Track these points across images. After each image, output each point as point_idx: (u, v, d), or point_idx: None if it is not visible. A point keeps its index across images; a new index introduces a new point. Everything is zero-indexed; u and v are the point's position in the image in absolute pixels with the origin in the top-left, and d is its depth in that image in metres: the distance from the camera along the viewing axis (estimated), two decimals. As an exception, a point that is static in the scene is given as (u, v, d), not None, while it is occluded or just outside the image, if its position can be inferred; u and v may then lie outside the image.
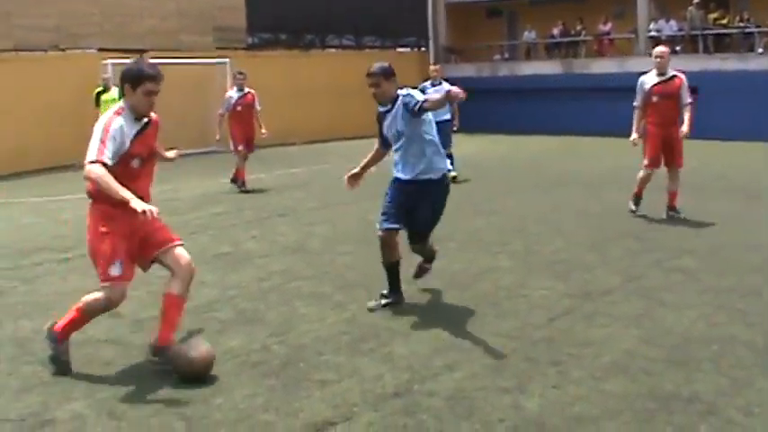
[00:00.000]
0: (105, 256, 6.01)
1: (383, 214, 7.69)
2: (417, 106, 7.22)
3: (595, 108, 28.11)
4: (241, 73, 16.46)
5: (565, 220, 12.33)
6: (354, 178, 8.08)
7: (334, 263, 9.81)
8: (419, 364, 6.25)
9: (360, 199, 12.93)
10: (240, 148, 16.20)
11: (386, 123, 7.67)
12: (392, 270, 7.90)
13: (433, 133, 7.63)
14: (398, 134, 7.56)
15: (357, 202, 12.77)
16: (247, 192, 15.74)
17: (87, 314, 6.22)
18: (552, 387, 5.76)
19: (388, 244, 7.74)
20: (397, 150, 7.67)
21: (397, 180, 7.73)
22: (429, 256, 8.33)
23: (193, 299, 7.92)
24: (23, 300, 8.39)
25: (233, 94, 16.45)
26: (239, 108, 16.20)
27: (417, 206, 7.63)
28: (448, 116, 16.20)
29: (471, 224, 12.03)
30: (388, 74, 7.59)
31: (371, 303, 7.79)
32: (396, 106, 7.51)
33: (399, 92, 7.54)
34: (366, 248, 10.50)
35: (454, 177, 15.34)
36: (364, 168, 8.03)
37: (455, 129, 17.08)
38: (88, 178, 5.79)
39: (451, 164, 15.51)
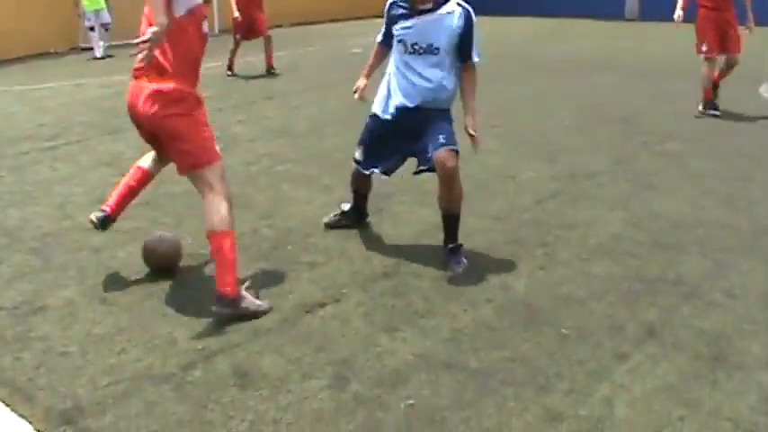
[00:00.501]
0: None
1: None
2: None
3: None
4: None
5: (553, 102, 12.29)
6: (364, 90, 6.75)
7: (321, 145, 9.79)
8: (407, 245, 6.30)
9: (346, 81, 12.78)
10: (237, 36, 15.44)
11: (413, 26, 5.91)
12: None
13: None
14: (431, 49, 5.94)
15: (343, 84, 12.60)
16: (233, 75, 15.51)
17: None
18: (539, 269, 5.82)
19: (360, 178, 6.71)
20: (407, 67, 6.10)
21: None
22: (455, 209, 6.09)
23: (180, 183, 7.91)
24: (10, 189, 8.32)
25: None
26: None
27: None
28: None
29: (458, 107, 11.93)
30: None
31: (326, 218, 6.86)
32: (447, 13, 5.83)
33: None
34: (352, 131, 10.41)
35: None
36: (369, 74, 6.78)
37: None
38: None
39: None
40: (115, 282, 5.74)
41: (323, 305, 5.26)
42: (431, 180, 8.03)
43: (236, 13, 15.13)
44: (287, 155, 9.33)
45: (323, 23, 26.75)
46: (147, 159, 5.80)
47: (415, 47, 5.94)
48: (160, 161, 5.78)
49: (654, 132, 10.13)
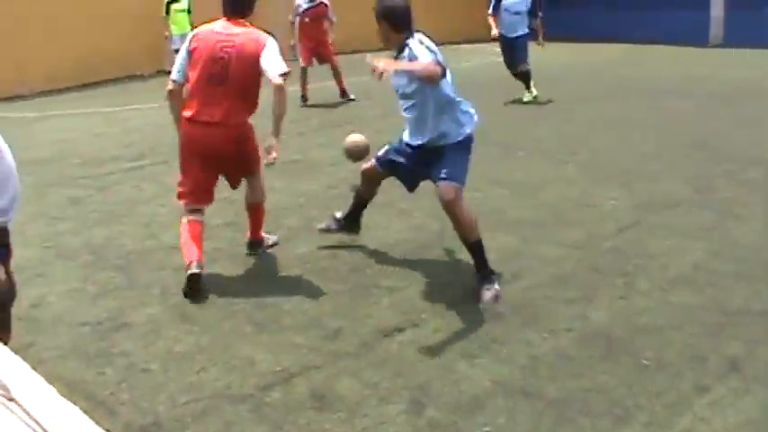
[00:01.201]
0: (258, 149, 6.48)
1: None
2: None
3: (666, 16, 27.47)
4: None
5: (632, 129, 12.18)
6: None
7: (401, 171, 9.83)
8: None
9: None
10: (303, 65, 15.30)
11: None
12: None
13: (449, 91, 6.04)
14: (407, 94, 6.16)
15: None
16: (306, 105, 15.40)
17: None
18: (619, 298, 5.79)
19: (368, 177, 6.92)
20: (405, 110, 6.27)
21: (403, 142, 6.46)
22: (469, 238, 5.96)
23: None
24: (97, 208, 8.56)
25: (302, 2, 15.32)
26: (307, 20, 15.22)
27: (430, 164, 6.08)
28: (526, 30, 15.05)
29: (538, 133, 11.95)
30: (388, 17, 5.92)
31: (320, 225, 7.14)
32: (403, 56, 5.89)
33: (408, 40, 5.87)
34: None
35: (535, 97, 14.94)
36: None
37: (541, 44, 15.81)
38: (283, 90, 6.02)
39: (527, 84, 15.05)
40: (196, 301, 5.84)
41: (401, 330, 5.29)
42: (511, 207, 8.06)
43: (293, 41, 15.43)
44: (366, 179, 9.38)
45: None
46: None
47: (398, 92, 6.19)
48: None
49: (736, 159, 9.98)
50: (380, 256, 6.72)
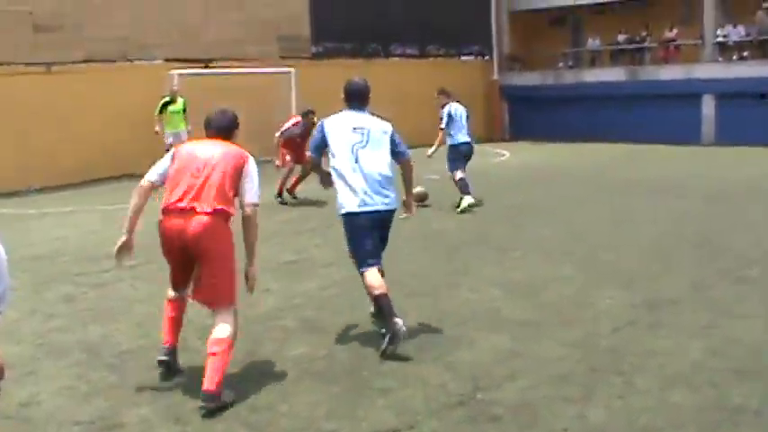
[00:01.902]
0: (234, 277, 6.08)
1: None
2: None
3: (661, 115, 27.84)
4: (312, 112, 15.55)
5: (629, 228, 12.22)
6: None
7: (396, 270, 9.80)
8: (482, 372, 6.24)
9: (422, 207, 12.96)
10: (288, 158, 15.71)
11: None
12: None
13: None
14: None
15: (420, 211, 12.78)
16: (284, 204, 15.45)
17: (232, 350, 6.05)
18: (618, 397, 5.72)
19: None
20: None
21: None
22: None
23: (259, 306, 8.02)
24: (92, 306, 8.56)
25: (296, 130, 15.65)
26: (298, 140, 15.50)
27: None
28: (455, 141, 14.79)
29: (535, 232, 11.98)
30: None
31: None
32: None
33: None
34: (428, 255, 10.53)
35: (470, 205, 14.27)
36: None
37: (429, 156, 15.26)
38: (253, 221, 6.11)
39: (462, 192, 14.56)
40: (189, 401, 5.77)
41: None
42: (507, 307, 8.04)
43: (278, 162, 15.78)
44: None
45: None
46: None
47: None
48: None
49: (733, 258, 9.99)
50: (376, 357, 6.66)
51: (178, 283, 6.39)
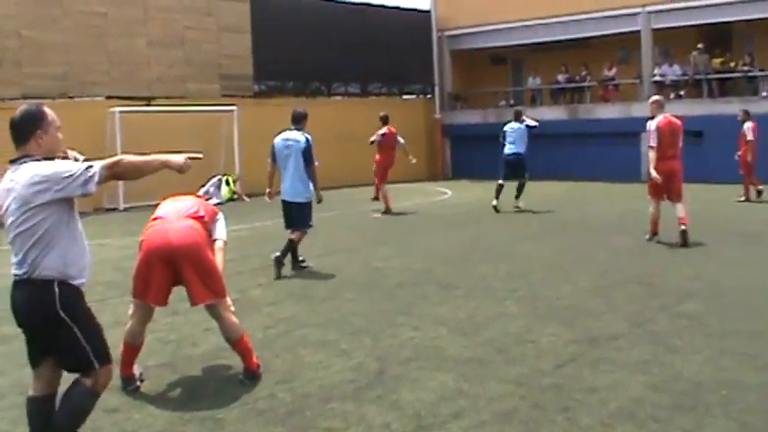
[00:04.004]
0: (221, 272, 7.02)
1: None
2: None
3: (601, 153, 28.21)
4: None
5: (570, 265, 12.32)
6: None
7: (340, 310, 9.80)
8: (426, 411, 6.22)
9: (365, 245, 12.96)
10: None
11: None
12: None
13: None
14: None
15: (362, 249, 12.79)
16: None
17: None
18: (560, 434, 5.73)
19: None
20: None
21: None
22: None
23: (201, 346, 7.94)
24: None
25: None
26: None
27: None
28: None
29: (477, 271, 12.03)
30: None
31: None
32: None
33: None
34: (370, 294, 10.52)
35: None
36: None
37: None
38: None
39: None
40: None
41: (341, 473, 5.18)
42: (451, 345, 8.05)
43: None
44: (306, 319, 9.34)
45: (341, 188, 27.09)
46: None
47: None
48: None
49: (672, 293, 10.11)
50: (319, 398, 6.61)
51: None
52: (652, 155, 14.01)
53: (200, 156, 5.38)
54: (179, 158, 5.25)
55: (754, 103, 26.86)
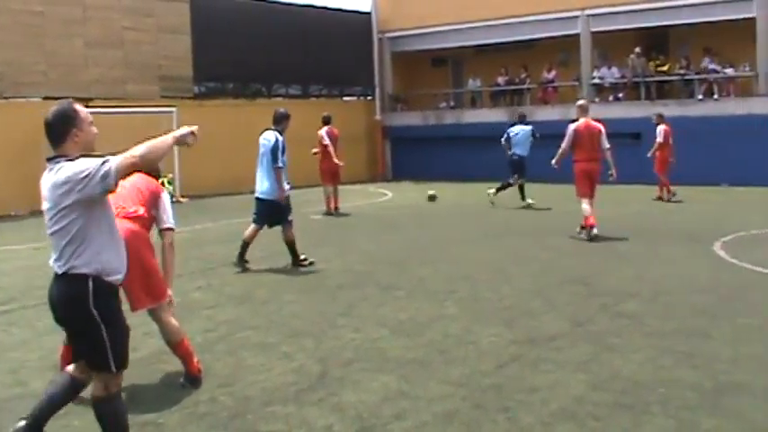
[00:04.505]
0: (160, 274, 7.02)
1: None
2: None
3: (541, 155, 28.34)
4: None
5: (511, 266, 12.40)
6: None
7: (281, 312, 9.76)
8: (368, 413, 6.22)
9: (306, 248, 12.91)
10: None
11: None
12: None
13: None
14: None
15: (302, 251, 12.74)
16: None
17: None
18: (502, 434, 5.75)
19: None
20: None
21: None
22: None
23: (140, 350, 7.84)
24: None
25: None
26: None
27: None
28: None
29: (418, 273, 12.05)
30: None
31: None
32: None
33: None
34: (312, 297, 10.48)
35: None
36: None
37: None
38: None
39: None
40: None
41: (282, 476, 5.15)
42: (392, 346, 8.05)
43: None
44: (246, 322, 9.28)
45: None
46: None
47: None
48: None
49: (611, 293, 10.21)
50: (261, 401, 6.57)
51: None
52: (560, 152, 15.17)
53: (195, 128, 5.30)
54: (186, 130, 5.21)
55: (691, 105, 27.30)
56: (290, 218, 12.60)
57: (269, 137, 12.64)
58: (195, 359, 7.10)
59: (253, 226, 12.75)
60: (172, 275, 7.35)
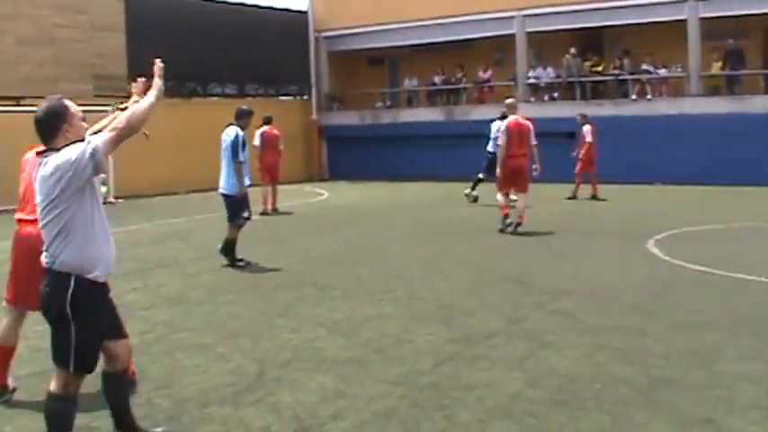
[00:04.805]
0: None
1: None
2: None
3: (476, 154, 28.51)
4: None
5: (447, 265, 12.45)
6: None
7: (217, 313, 9.69)
8: (306, 413, 6.20)
9: (243, 248, 12.85)
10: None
11: None
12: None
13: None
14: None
15: (238, 251, 12.68)
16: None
17: None
18: (440, 432, 5.78)
19: None
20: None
21: None
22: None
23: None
24: None
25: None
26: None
27: None
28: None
29: (354, 272, 12.05)
30: None
31: None
32: None
33: None
34: (249, 297, 10.43)
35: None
36: None
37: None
38: None
39: None
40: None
41: (219, 478, 5.11)
42: (329, 346, 8.04)
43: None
44: (182, 323, 9.20)
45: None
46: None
47: None
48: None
49: (547, 291, 10.31)
50: (197, 402, 6.52)
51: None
52: (501, 153, 15.55)
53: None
54: (159, 81, 5.64)
55: (625, 105, 27.70)
56: (245, 214, 12.80)
57: (230, 132, 12.79)
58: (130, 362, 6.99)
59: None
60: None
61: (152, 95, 5.40)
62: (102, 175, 18.12)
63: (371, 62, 36.04)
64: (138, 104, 5.24)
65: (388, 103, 35.02)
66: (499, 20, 30.69)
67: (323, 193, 26.61)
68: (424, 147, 30.70)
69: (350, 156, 32.77)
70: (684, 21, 27.18)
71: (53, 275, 5.00)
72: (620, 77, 28.68)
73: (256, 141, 20.06)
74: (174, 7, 29.47)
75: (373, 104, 34.81)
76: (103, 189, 22.97)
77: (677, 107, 27.02)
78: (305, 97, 35.21)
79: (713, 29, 27.01)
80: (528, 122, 15.66)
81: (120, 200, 24.89)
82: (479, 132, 22.09)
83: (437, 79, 32.97)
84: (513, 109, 15.80)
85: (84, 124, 5.22)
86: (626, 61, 28.58)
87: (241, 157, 12.54)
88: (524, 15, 30.19)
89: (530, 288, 10.58)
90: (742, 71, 27.33)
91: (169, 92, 29.86)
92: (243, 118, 13.10)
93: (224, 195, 12.94)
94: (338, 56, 35.54)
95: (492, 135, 20.18)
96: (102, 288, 5.15)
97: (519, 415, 6.06)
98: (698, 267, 11.66)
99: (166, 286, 11.38)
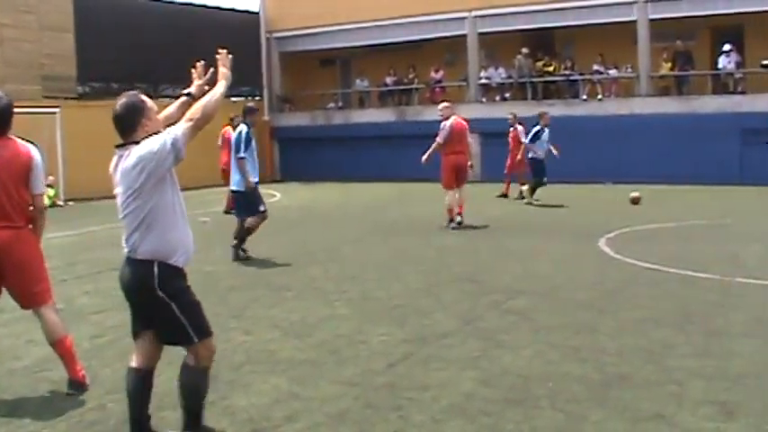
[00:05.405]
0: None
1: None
2: None
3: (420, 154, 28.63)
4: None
5: (401, 265, 12.46)
6: None
7: (171, 315, 9.60)
8: (259, 416, 6.17)
9: (198, 250, 12.75)
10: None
11: None
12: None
13: None
14: None
15: (194, 253, 12.58)
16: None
17: None
18: (394, 432, 5.78)
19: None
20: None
21: None
22: None
23: (23, 358, 7.65)
24: None
25: None
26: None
27: None
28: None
29: (308, 273, 12.02)
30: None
31: None
32: None
33: None
34: (203, 299, 10.30)
35: None
36: None
37: None
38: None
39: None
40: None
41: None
42: (283, 348, 8.01)
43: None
44: (135, 326, 9.10)
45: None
46: None
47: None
48: None
49: (501, 290, 10.35)
50: (151, 406, 6.44)
51: None
52: (434, 146, 17.03)
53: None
54: (225, 78, 5.99)
55: (575, 105, 27.95)
56: (261, 208, 13.33)
57: (239, 129, 13.30)
58: (79, 365, 6.93)
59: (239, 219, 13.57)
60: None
61: (221, 86, 5.72)
62: (51, 177, 17.91)
63: (323, 63, 36.01)
64: (211, 94, 5.48)
65: (340, 104, 35.01)
66: (451, 20, 30.82)
67: (275, 194, 26.51)
68: (376, 147, 30.73)
69: (302, 157, 32.72)
70: (634, 22, 27.48)
71: (134, 264, 5.33)
72: (571, 78, 28.90)
73: (219, 142, 20.09)
74: (124, 7, 29.25)
75: (325, 105, 34.79)
76: (51, 192, 22.70)
77: (627, 107, 27.32)
78: (256, 98, 35.06)
79: (662, 30, 27.34)
80: (465, 123, 17.08)
81: (69, 203, 24.63)
82: (431, 133, 22.09)
83: (389, 80, 33.02)
84: (452, 110, 17.17)
85: (161, 117, 5.49)
86: (568, 62, 28.95)
87: (242, 153, 12.90)
88: (476, 16, 30.35)
89: (484, 287, 10.62)
90: (690, 72, 27.67)
91: (119, 93, 29.67)
92: (248, 114, 13.52)
93: (234, 192, 13.62)
94: (290, 56, 35.47)
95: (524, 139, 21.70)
96: (184, 274, 5.48)
97: (473, 414, 6.07)
98: (649, 265, 11.78)
99: (118, 290, 11.17)
